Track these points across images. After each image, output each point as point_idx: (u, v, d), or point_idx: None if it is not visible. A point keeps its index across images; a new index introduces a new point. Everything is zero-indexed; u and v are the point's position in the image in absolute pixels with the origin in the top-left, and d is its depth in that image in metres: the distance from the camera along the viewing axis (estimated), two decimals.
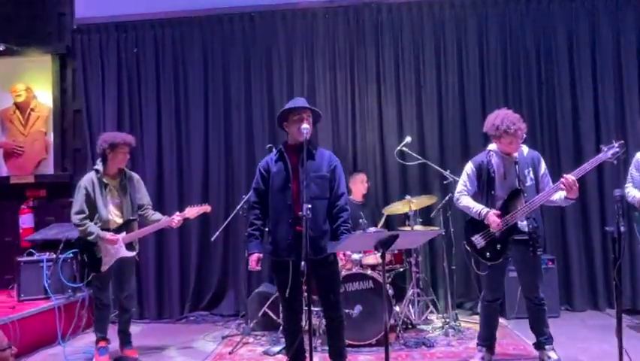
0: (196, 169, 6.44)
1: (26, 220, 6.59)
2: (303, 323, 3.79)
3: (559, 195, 3.91)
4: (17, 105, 6.79)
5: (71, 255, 5.63)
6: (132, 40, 6.57)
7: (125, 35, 6.58)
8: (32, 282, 5.60)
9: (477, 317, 5.44)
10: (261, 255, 3.76)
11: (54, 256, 5.60)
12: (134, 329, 5.86)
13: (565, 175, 3.76)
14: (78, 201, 4.53)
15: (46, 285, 5.53)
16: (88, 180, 4.59)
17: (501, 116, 3.94)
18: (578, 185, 3.75)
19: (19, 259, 5.69)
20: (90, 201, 4.54)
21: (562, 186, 3.75)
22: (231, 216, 5.50)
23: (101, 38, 6.59)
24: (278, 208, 3.69)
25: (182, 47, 6.53)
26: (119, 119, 6.52)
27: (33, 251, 5.84)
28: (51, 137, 6.82)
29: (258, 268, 3.75)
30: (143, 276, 6.39)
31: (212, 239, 5.48)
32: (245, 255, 5.41)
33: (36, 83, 6.84)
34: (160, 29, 6.55)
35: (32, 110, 6.81)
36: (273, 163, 3.78)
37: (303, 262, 3.12)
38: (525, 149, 4.13)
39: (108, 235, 4.50)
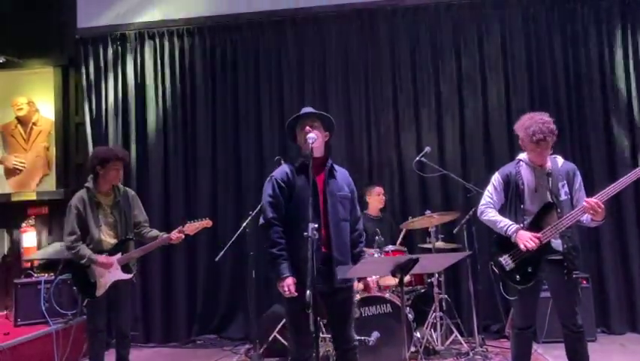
0: (203, 182, 6.19)
1: (27, 239, 6.34)
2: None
3: (585, 216, 3.52)
4: (19, 119, 6.59)
5: (71, 276, 5.30)
6: (134, 51, 6.35)
7: (126, 46, 6.37)
8: (30, 305, 5.30)
9: (505, 341, 5.07)
10: (295, 278, 3.21)
11: (53, 277, 5.31)
12: (139, 354, 5.61)
13: (586, 199, 3.40)
14: (69, 222, 4.22)
15: (44, 309, 5.23)
16: (78, 199, 4.27)
17: (527, 122, 3.60)
18: (603, 207, 3.35)
19: (16, 281, 5.42)
20: (82, 222, 4.23)
21: (584, 209, 3.38)
22: (236, 235, 5.16)
23: (103, 49, 6.40)
24: (302, 228, 3.03)
25: (186, 56, 6.31)
26: (123, 133, 6.30)
27: (31, 272, 5.55)
28: (53, 151, 6.59)
29: (296, 293, 3.17)
30: (149, 298, 6.12)
31: (217, 259, 5.14)
32: (252, 276, 5.20)
33: (38, 96, 6.63)
34: (162, 39, 6.34)
35: (34, 124, 6.60)
36: (294, 176, 3.34)
37: (308, 292, 2.73)
38: (560, 160, 3.76)
39: (101, 259, 4.18)
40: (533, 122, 3.58)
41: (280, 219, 3.27)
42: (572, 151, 5.67)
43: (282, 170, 3.39)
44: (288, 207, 3.29)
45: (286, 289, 3.13)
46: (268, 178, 3.40)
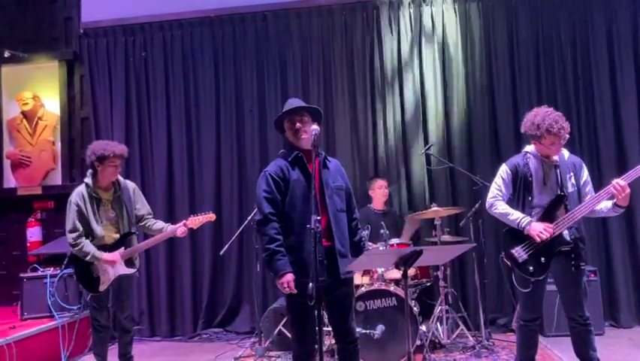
0: (208, 177, 6.15)
1: (34, 233, 6.36)
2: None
3: (604, 205, 3.52)
4: (24, 114, 6.58)
5: (74, 271, 5.29)
6: (140, 44, 6.33)
7: (132, 38, 6.34)
8: (36, 299, 5.31)
9: (512, 335, 5.02)
10: (294, 274, 3.15)
11: (59, 271, 5.32)
12: (145, 348, 5.62)
13: (615, 180, 3.37)
14: (70, 218, 4.18)
15: (50, 303, 5.23)
16: (78, 195, 4.23)
17: (541, 115, 3.55)
18: (629, 190, 3.34)
19: (22, 275, 5.43)
20: (83, 218, 4.20)
21: (612, 190, 3.35)
22: (241, 228, 5.14)
23: (109, 42, 6.38)
24: (303, 223, 3.07)
25: (192, 49, 6.27)
26: (128, 126, 6.28)
27: (37, 266, 5.56)
28: (59, 146, 6.58)
29: (296, 290, 3.07)
30: (154, 292, 6.13)
31: (221, 253, 5.13)
32: (258, 270, 5.18)
33: (43, 91, 6.61)
34: (169, 31, 6.31)
35: (40, 118, 6.59)
36: (289, 169, 3.27)
37: (310, 285, 2.70)
38: (566, 153, 3.73)
39: (104, 256, 4.16)
40: (547, 114, 3.55)
41: (277, 214, 3.19)
42: (580, 145, 5.59)
43: (276, 164, 3.31)
44: (284, 202, 3.22)
45: (285, 285, 3.07)
46: (262, 173, 3.32)
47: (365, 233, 4.61)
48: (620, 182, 3.35)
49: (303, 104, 3.40)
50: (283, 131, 3.42)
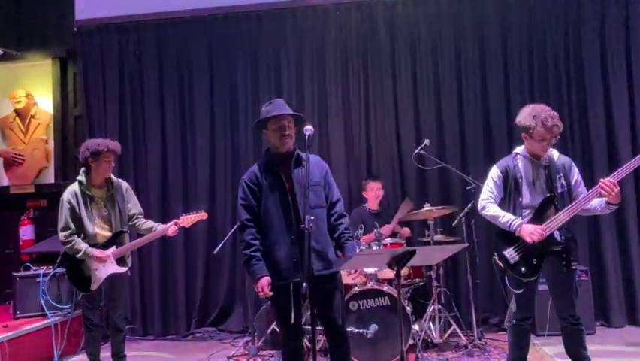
0: (202, 176, 6.15)
1: (26, 232, 6.34)
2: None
3: (597, 202, 3.53)
4: (17, 112, 6.55)
5: (66, 270, 5.28)
6: (134, 42, 6.31)
7: (126, 37, 6.32)
8: (29, 298, 5.31)
9: (504, 334, 5.05)
10: (270, 278, 3.25)
11: (51, 270, 5.30)
12: (138, 347, 5.62)
13: (602, 179, 3.38)
14: (63, 216, 4.19)
15: (42, 301, 5.22)
16: (71, 193, 4.23)
17: (539, 108, 3.58)
18: (619, 188, 3.36)
19: (15, 273, 5.41)
20: (75, 216, 4.19)
21: (600, 190, 3.37)
22: (234, 228, 5.13)
23: (102, 40, 6.36)
24: (276, 225, 3.26)
25: (186, 48, 6.27)
26: (121, 125, 6.27)
27: (30, 265, 5.54)
28: (52, 144, 6.55)
29: (271, 293, 3.20)
30: (147, 291, 6.12)
31: (215, 252, 5.13)
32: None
33: (36, 89, 6.59)
34: (163, 30, 6.30)
35: (32, 117, 6.56)
36: (262, 175, 3.36)
37: (304, 284, 2.72)
38: (555, 154, 3.74)
39: (96, 253, 4.15)
40: (545, 109, 3.57)
41: (254, 220, 3.31)
42: (572, 144, 5.64)
43: (251, 171, 3.42)
44: (260, 206, 3.32)
45: (260, 289, 3.18)
46: (240, 181, 3.43)
47: (358, 233, 4.64)
48: (607, 180, 3.35)
49: (288, 107, 3.42)
50: (261, 129, 3.45)
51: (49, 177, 6.55)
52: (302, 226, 2.90)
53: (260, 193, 3.33)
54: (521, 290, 3.60)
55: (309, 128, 3.16)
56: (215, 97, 6.20)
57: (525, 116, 3.60)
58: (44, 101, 6.59)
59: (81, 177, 4.27)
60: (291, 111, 3.40)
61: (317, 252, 3.21)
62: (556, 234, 3.55)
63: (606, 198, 3.45)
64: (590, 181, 3.64)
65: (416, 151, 5.25)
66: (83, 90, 6.37)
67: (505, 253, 3.63)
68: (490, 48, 5.86)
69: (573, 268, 3.58)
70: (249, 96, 6.13)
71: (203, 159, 6.15)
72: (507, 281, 3.69)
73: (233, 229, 5.17)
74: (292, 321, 3.15)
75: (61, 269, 5.17)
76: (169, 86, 6.24)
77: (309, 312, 3.13)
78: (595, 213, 3.69)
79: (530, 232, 3.48)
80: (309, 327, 3.16)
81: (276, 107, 3.36)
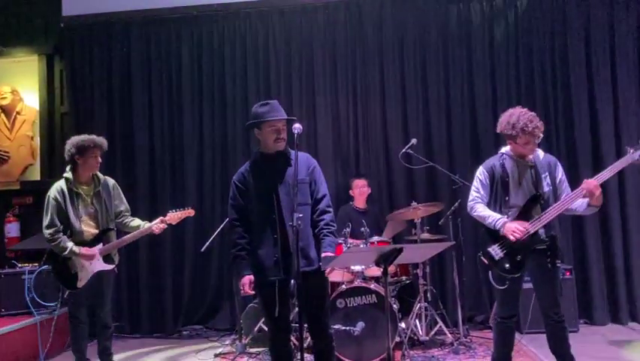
0: (190, 172, 6.15)
1: (12, 229, 6.28)
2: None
3: (580, 203, 3.58)
4: (2, 108, 6.48)
5: (52, 268, 5.24)
6: (121, 38, 6.28)
7: (113, 33, 6.29)
8: (14, 296, 5.25)
9: (489, 332, 5.11)
10: (252, 277, 3.34)
11: (37, 267, 5.26)
12: (124, 345, 5.59)
13: (586, 180, 3.45)
14: (48, 213, 4.15)
15: (28, 299, 5.18)
16: (57, 189, 4.20)
17: (516, 114, 3.62)
18: (601, 190, 3.42)
19: (0, 271, 5.37)
20: (61, 213, 4.16)
21: (583, 192, 3.41)
22: (222, 225, 5.14)
23: (89, 37, 6.32)
24: (261, 223, 3.33)
25: (173, 45, 6.24)
26: (109, 121, 6.23)
27: (15, 262, 5.50)
28: (38, 141, 6.50)
29: (252, 292, 3.35)
30: (135, 288, 6.09)
31: (203, 250, 5.14)
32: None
33: (22, 85, 6.52)
34: (151, 26, 6.28)
35: (18, 113, 6.50)
36: (250, 175, 3.41)
37: (293, 281, 2.74)
38: (541, 153, 3.80)
39: (83, 250, 4.13)
40: (521, 113, 3.61)
41: (242, 219, 3.41)
42: (557, 146, 5.70)
43: (240, 171, 3.50)
44: (249, 206, 3.40)
45: (241, 287, 3.33)
46: (231, 182, 3.51)
47: (346, 230, 4.67)
48: (591, 181, 3.42)
49: (283, 110, 3.44)
50: (252, 128, 3.45)
51: (35, 174, 6.49)
52: (290, 223, 2.92)
53: (248, 193, 3.38)
54: (505, 287, 3.64)
55: (297, 127, 3.18)
56: (203, 94, 6.18)
57: (504, 125, 3.65)
58: (30, 97, 6.53)
59: (67, 174, 4.23)
60: (286, 116, 3.42)
61: (300, 249, 3.19)
62: (541, 231, 3.60)
63: (588, 200, 3.52)
64: (574, 183, 3.69)
65: (403, 150, 5.29)
66: (70, 87, 6.33)
67: (489, 249, 3.68)
68: (476, 48, 5.90)
69: (557, 265, 3.64)
70: (238, 94, 6.12)
71: (191, 157, 6.14)
72: (491, 278, 3.73)
73: (221, 227, 5.17)
74: (276, 315, 3.22)
75: (48, 266, 5.17)
76: (156, 83, 6.22)
77: (296, 309, 3.16)
78: (576, 213, 3.75)
79: (513, 230, 3.53)
80: (297, 324, 3.18)
81: (273, 110, 3.37)
